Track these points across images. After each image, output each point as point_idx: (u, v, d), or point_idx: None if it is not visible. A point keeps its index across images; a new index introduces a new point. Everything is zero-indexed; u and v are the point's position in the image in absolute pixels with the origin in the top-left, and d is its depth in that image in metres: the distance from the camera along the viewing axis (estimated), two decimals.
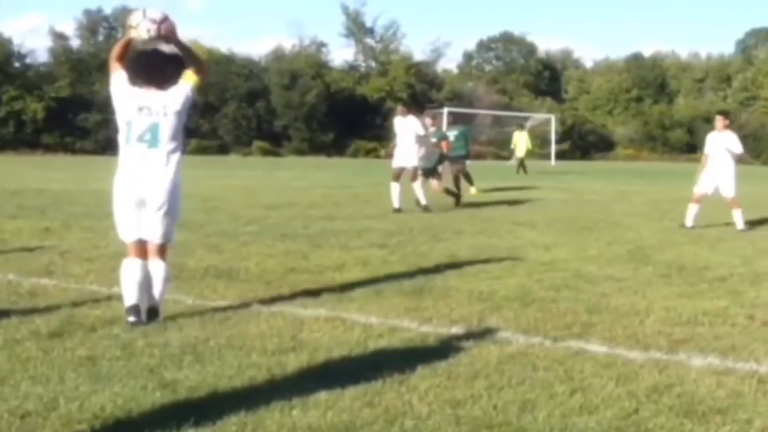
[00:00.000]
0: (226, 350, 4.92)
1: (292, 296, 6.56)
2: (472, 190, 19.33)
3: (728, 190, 12.54)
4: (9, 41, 57.78)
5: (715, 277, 7.85)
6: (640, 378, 4.49)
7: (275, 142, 62.16)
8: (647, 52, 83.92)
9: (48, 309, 5.89)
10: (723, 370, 4.68)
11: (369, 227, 11.64)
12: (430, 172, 15.59)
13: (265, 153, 58.98)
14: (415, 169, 14.75)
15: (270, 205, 15.31)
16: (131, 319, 5.49)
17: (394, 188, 14.53)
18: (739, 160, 12.86)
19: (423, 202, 14.54)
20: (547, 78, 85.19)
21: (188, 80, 5.63)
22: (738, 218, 12.43)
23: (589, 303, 6.45)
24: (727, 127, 12.83)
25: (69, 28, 73.74)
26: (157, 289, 5.63)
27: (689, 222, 12.46)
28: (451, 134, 18.51)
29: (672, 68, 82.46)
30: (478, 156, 43.33)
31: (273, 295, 6.60)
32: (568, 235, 11.18)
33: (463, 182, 18.27)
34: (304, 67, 65.01)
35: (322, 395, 4.05)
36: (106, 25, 66.71)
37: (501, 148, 56.98)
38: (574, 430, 3.76)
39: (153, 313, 5.61)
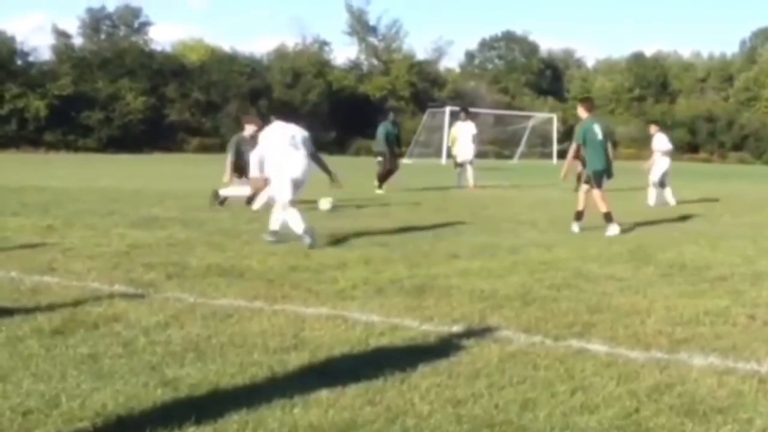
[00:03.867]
0: (228, 348, 4.93)
1: (294, 294, 6.57)
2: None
3: None
4: (12, 39, 57.63)
5: (717, 276, 7.84)
6: (641, 377, 4.50)
7: None
8: (649, 52, 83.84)
9: (50, 306, 5.91)
10: (724, 369, 4.68)
11: (371, 226, 11.64)
12: None
13: None
14: None
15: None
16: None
17: None
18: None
19: None
20: (549, 77, 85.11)
21: None
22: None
23: (590, 302, 6.45)
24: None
25: (72, 26, 73.94)
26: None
27: None
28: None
29: (674, 68, 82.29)
30: (481, 155, 43.21)
31: (275, 293, 6.61)
32: (569, 234, 11.18)
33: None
34: (306, 66, 65.03)
35: (324, 393, 4.06)
36: (109, 24, 66.81)
37: (503, 147, 57.11)
38: (575, 429, 3.76)
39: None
